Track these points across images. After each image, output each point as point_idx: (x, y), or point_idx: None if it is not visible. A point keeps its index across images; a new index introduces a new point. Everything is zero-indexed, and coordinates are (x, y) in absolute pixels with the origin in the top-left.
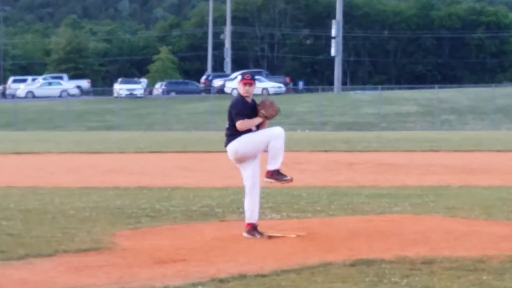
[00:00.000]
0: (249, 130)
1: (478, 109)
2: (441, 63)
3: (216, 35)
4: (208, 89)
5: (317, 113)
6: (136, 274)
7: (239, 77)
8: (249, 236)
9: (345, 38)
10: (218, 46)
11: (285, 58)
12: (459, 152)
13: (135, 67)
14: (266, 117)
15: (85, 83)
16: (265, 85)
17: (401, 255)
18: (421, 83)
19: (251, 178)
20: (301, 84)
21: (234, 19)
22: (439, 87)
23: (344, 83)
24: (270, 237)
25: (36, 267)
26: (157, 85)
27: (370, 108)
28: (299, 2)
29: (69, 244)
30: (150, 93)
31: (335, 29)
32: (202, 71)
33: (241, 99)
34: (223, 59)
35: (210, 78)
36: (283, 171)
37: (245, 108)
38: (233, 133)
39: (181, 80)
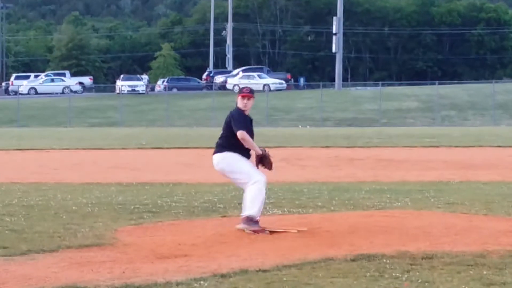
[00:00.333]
0: (242, 149)
1: (478, 105)
2: (441, 59)
3: (218, 31)
4: (209, 86)
5: (318, 109)
6: (138, 270)
7: (238, 90)
8: (246, 226)
9: (345, 34)
10: (220, 42)
11: (286, 54)
12: (459, 148)
13: (137, 64)
14: (262, 165)
15: (87, 80)
16: (266, 81)
17: (401, 250)
18: (422, 79)
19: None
20: (302, 81)
21: (236, 15)
22: (440, 83)
23: (345, 79)
24: (271, 232)
25: (38, 263)
26: (159, 82)
27: (371, 104)
28: None
29: (71, 239)
30: (152, 89)
31: (336, 25)
32: (204, 68)
33: (240, 112)
34: (224, 55)
35: (211, 74)
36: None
37: (245, 121)
38: (223, 145)
39: (183, 77)
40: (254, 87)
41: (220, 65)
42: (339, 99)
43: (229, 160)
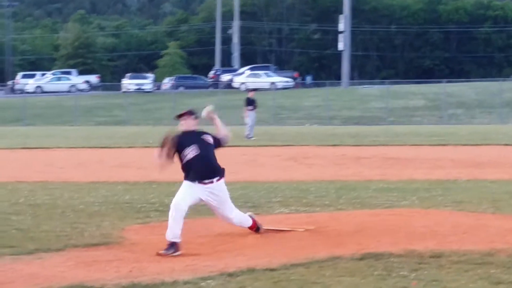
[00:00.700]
0: None
1: (486, 103)
2: (448, 57)
3: (224, 30)
4: (216, 84)
5: (325, 108)
6: (145, 269)
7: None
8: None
9: (353, 32)
10: (226, 41)
11: (293, 52)
12: (466, 146)
13: (143, 62)
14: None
15: (93, 78)
16: (273, 79)
17: (409, 248)
18: (429, 78)
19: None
20: (309, 79)
21: (242, 13)
22: (447, 81)
23: (352, 77)
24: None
25: (45, 262)
26: (166, 80)
27: (378, 103)
28: None
29: (78, 238)
30: (159, 88)
31: (343, 23)
32: (210, 66)
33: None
34: (231, 54)
35: (218, 73)
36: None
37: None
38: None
39: (189, 75)
40: (261, 86)
41: (226, 63)
42: (346, 97)
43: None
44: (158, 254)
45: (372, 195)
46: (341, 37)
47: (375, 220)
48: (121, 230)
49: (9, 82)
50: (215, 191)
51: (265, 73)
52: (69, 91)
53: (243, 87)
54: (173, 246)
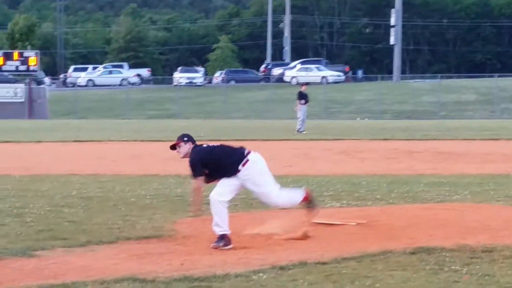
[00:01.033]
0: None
1: None
2: (500, 51)
3: (276, 24)
4: (267, 78)
5: (377, 102)
6: (197, 261)
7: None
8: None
9: (404, 26)
10: (278, 34)
11: (344, 46)
12: None
13: (194, 56)
14: None
15: (145, 72)
16: (324, 73)
17: (461, 243)
18: (481, 72)
19: None
20: (360, 73)
21: (294, 7)
22: (499, 76)
23: (403, 71)
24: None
25: (98, 254)
26: (217, 74)
27: (430, 97)
28: None
29: (130, 231)
30: (210, 81)
31: (394, 17)
32: (262, 60)
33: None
34: (282, 47)
35: (269, 66)
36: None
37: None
38: None
39: (240, 69)
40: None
41: (278, 57)
42: (398, 91)
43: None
44: (213, 247)
45: (424, 189)
46: (392, 31)
47: (427, 214)
48: (172, 223)
49: (61, 76)
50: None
51: (316, 67)
52: (120, 85)
53: (294, 81)
54: (222, 238)
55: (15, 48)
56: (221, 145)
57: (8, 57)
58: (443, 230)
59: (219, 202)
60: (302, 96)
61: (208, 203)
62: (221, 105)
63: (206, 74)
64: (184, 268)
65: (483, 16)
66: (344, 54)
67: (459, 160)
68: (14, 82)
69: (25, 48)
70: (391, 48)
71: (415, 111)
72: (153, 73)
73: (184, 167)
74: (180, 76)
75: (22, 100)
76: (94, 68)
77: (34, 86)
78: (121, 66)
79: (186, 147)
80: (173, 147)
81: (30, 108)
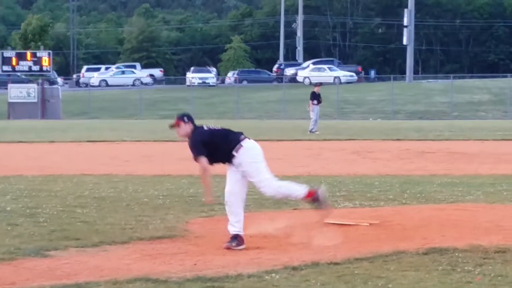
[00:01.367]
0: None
1: None
2: None
3: (288, 24)
4: (280, 78)
5: (389, 102)
6: (209, 262)
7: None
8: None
9: (417, 27)
10: (290, 35)
11: (357, 47)
12: None
13: (207, 56)
14: None
15: (157, 72)
16: (337, 74)
17: (474, 243)
18: (494, 72)
19: None
20: (373, 73)
21: (306, 8)
22: None
23: (416, 72)
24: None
25: (110, 254)
26: (229, 74)
27: (442, 97)
28: None
29: (143, 231)
30: (223, 81)
31: (407, 18)
32: (274, 60)
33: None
34: (295, 48)
35: (282, 67)
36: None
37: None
38: None
39: (253, 69)
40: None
41: (290, 57)
42: (410, 91)
43: None
44: (225, 247)
45: (437, 190)
46: (405, 31)
47: (439, 215)
48: (185, 223)
49: (74, 76)
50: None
51: (329, 67)
52: (133, 85)
53: (306, 81)
54: (235, 238)
55: (28, 48)
56: (221, 129)
57: (21, 57)
58: (456, 230)
59: (235, 201)
60: (315, 97)
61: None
62: (234, 105)
63: (218, 74)
64: (197, 268)
65: (496, 16)
66: (356, 54)
67: (472, 161)
68: (27, 83)
69: (38, 48)
70: (403, 48)
71: (428, 112)
72: (166, 73)
73: (196, 168)
74: (192, 76)
75: (35, 100)
76: (107, 69)
77: (47, 86)
78: (133, 66)
79: (186, 127)
80: (173, 126)
81: (43, 108)
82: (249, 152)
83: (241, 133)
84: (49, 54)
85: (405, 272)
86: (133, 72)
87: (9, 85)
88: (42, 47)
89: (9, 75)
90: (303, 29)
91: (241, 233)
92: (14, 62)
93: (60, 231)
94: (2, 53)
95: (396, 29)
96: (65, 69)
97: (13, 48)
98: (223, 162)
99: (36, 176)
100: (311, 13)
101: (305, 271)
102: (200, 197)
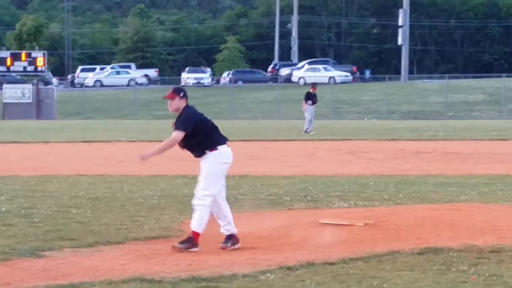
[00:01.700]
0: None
1: None
2: (508, 51)
3: (283, 24)
4: (275, 78)
5: (384, 102)
6: (204, 262)
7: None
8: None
9: (411, 27)
10: (285, 35)
11: (351, 47)
12: None
13: (202, 56)
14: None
15: (152, 72)
16: (332, 74)
17: (469, 243)
18: (488, 72)
19: None
20: (367, 73)
21: (301, 8)
22: (507, 76)
23: (411, 72)
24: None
25: (105, 255)
26: (224, 74)
27: (437, 97)
28: None
29: (138, 231)
30: (217, 82)
31: (402, 18)
32: (269, 60)
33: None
34: (290, 48)
35: (277, 67)
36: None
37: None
38: None
39: (248, 69)
40: (319, 80)
41: (285, 57)
42: (405, 91)
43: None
44: (221, 248)
45: (431, 190)
46: (400, 31)
47: (434, 215)
48: (180, 224)
49: (69, 76)
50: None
51: (324, 67)
52: (128, 85)
53: (301, 81)
54: (230, 238)
55: (23, 48)
56: (213, 123)
57: (16, 57)
58: (450, 230)
59: (210, 203)
60: (309, 97)
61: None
62: (229, 105)
63: (213, 74)
64: (192, 268)
65: (490, 16)
66: (351, 54)
67: (466, 161)
68: (22, 83)
69: (33, 48)
70: (398, 48)
71: (423, 111)
72: (161, 73)
73: (192, 167)
74: (187, 77)
75: (30, 100)
76: (102, 69)
77: (41, 86)
78: (128, 67)
79: (180, 103)
80: (166, 97)
81: (38, 108)
82: (219, 158)
83: (226, 139)
84: (44, 54)
85: (400, 272)
86: (128, 73)
87: (4, 86)
88: (37, 47)
89: (4, 76)
90: (298, 29)
91: (235, 232)
92: (8, 63)
93: (55, 231)
94: None
95: (391, 29)
96: (60, 69)
97: (8, 48)
98: (192, 152)
99: (31, 176)
100: (306, 13)
101: (300, 271)
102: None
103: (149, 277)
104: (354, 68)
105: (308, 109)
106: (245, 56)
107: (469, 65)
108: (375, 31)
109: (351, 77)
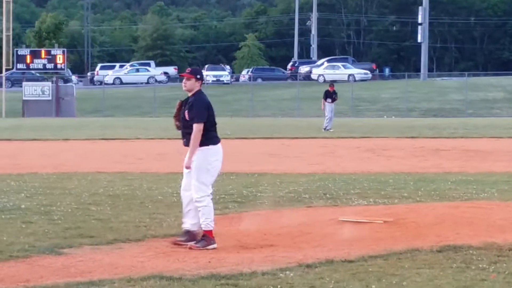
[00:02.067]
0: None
1: None
2: None
3: (303, 21)
4: (294, 76)
5: (403, 100)
6: (223, 259)
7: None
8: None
9: (431, 24)
10: (305, 32)
11: (371, 44)
12: None
13: (221, 54)
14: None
15: (172, 70)
16: (351, 71)
17: (488, 241)
18: (508, 70)
19: None
20: (387, 71)
21: (320, 5)
22: None
23: (430, 69)
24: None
25: (125, 252)
26: (244, 72)
27: (457, 95)
28: None
29: (157, 229)
30: (237, 79)
31: (422, 15)
32: (288, 58)
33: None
34: (309, 45)
35: (296, 64)
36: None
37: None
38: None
39: (267, 67)
40: (339, 77)
41: (304, 55)
42: (425, 89)
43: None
44: (175, 243)
45: (451, 187)
46: (419, 29)
47: (454, 212)
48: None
49: (89, 74)
50: (194, 156)
51: (343, 65)
52: (147, 83)
53: (321, 79)
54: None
55: (42, 46)
56: (214, 118)
57: (35, 55)
58: (470, 228)
59: (209, 200)
60: (328, 95)
61: (234, 201)
62: (248, 103)
63: (233, 72)
64: (211, 266)
65: (510, 13)
66: (371, 52)
67: (486, 158)
68: (41, 80)
69: (52, 46)
70: (418, 46)
71: (442, 109)
72: (180, 71)
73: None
74: (207, 74)
75: (49, 98)
76: (121, 66)
77: (61, 84)
78: (148, 64)
79: (195, 84)
80: (183, 75)
81: (58, 106)
82: (207, 154)
83: (219, 140)
84: (63, 52)
85: (419, 269)
86: (148, 70)
87: (24, 83)
88: (56, 45)
89: (23, 73)
90: (318, 27)
91: (194, 229)
92: (28, 60)
93: (74, 228)
94: (17, 51)
95: (410, 27)
96: (80, 67)
97: (28, 46)
98: (185, 137)
99: (51, 174)
100: (326, 10)
101: (319, 268)
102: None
103: (168, 274)
104: (374, 66)
105: (327, 107)
106: (264, 54)
107: (489, 62)
108: (394, 28)
109: (370, 75)
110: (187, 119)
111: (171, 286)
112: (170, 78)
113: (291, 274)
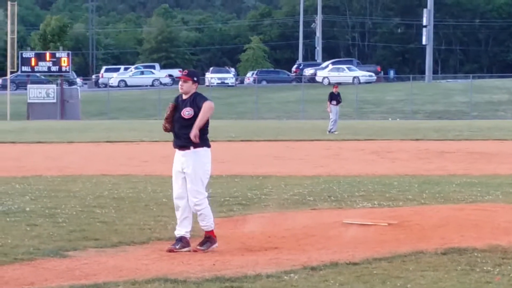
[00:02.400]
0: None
1: None
2: None
3: (307, 24)
4: (299, 78)
5: (408, 102)
6: (228, 262)
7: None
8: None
9: (436, 26)
10: (309, 35)
11: (376, 46)
12: None
13: (226, 56)
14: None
15: (176, 72)
16: (356, 74)
17: (493, 243)
18: None
19: None
20: (392, 73)
21: (325, 8)
22: None
23: (435, 71)
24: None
25: (129, 255)
26: (248, 74)
27: (461, 97)
28: None
29: (162, 232)
30: (242, 82)
31: (426, 17)
32: (293, 60)
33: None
34: (314, 48)
35: (301, 67)
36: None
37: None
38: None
39: (272, 69)
40: (343, 80)
41: (309, 57)
42: (429, 91)
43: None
44: (170, 251)
45: (456, 190)
46: (424, 31)
47: (458, 215)
48: None
49: (93, 76)
50: (190, 158)
51: (348, 67)
52: (152, 85)
53: (326, 81)
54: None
55: (47, 49)
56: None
57: (40, 58)
58: (474, 230)
59: (187, 206)
60: (333, 97)
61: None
62: (253, 105)
63: (237, 74)
64: (216, 268)
65: None
66: (375, 54)
67: (491, 161)
68: (46, 83)
69: (57, 49)
70: (423, 48)
71: (447, 111)
72: None
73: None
74: (211, 77)
75: (54, 100)
76: (126, 69)
77: (66, 86)
78: (152, 67)
79: (192, 87)
80: (180, 77)
81: (62, 108)
82: (201, 156)
83: (210, 146)
84: (68, 54)
85: (423, 272)
86: (152, 73)
87: (28, 86)
88: (61, 47)
89: (28, 76)
90: (322, 29)
91: (187, 236)
92: (33, 63)
93: (79, 231)
94: (22, 53)
95: (415, 29)
96: (84, 69)
97: (32, 49)
98: (178, 138)
99: (55, 176)
100: (330, 13)
101: (323, 271)
102: (219, 197)
103: (172, 277)
104: (378, 68)
105: (332, 109)
106: (269, 56)
107: (494, 64)
108: (399, 30)
109: (375, 77)
110: (186, 118)
111: None
112: (174, 81)
113: (296, 277)
